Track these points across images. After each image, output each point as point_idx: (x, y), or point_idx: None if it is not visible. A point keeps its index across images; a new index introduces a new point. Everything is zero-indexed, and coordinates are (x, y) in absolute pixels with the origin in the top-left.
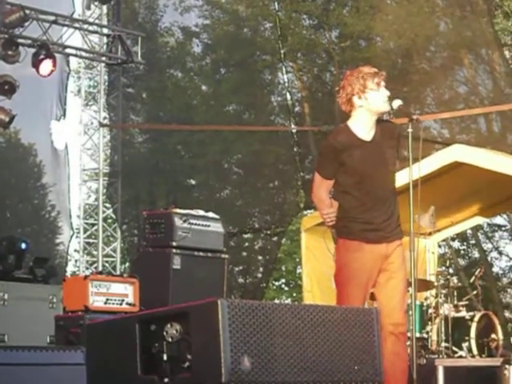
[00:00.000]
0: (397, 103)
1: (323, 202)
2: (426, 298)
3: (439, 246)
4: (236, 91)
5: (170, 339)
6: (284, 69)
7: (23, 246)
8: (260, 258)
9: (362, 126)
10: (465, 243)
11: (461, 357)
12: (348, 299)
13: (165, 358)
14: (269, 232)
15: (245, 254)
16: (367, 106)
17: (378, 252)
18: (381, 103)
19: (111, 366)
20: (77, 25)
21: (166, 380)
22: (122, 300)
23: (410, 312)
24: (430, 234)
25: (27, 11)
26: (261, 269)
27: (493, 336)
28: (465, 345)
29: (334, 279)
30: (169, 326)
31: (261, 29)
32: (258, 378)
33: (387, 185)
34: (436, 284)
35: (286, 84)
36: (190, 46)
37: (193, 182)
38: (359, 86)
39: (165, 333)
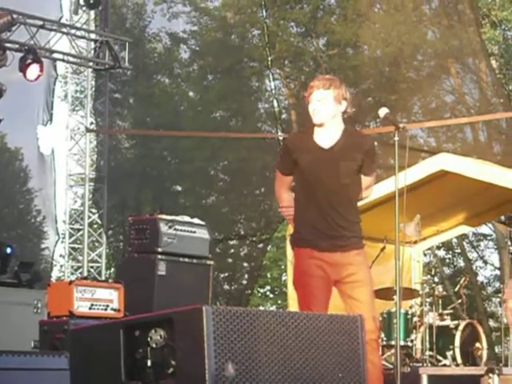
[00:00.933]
0: (383, 111)
1: (281, 199)
2: (410, 307)
3: (424, 255)
4: (223, 98)
5: (154, 345)
6: (271, 76)
7: (8, 250)
8: (245, 264)
9: (324, 133)
10: (450, 252)
11: (445, 365)
12: (304, 304)
13: (149, 363)
14: (254, 239)
15: (230, 260)
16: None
17: (331, 260)
18: (312, 115)
19: (95, 372)
20: (64, 30)
21: None
22: (107, 305)
23: (395, 320)
24: (415, 242)
25: (15, 15)
26: (246, 275)
27: (477, 345)
28: (449, 353)
29: (294, 286)
30: (153, 331)
31: (249, 36)
32: None
33: (338, 196)
34: (421, 292)
35: (273, 91)
36: (178, 52)
37: (179, 188)
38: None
39: (149, 339)
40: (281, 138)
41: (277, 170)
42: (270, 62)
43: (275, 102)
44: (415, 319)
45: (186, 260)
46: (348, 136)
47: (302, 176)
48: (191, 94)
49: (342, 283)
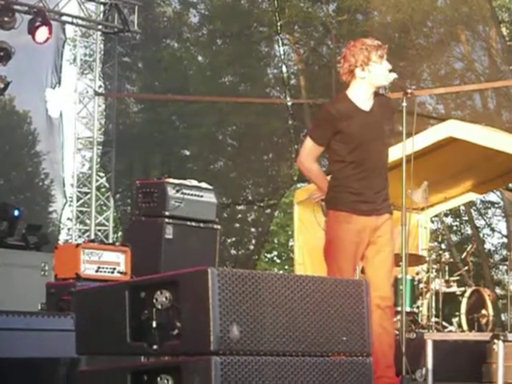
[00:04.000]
0: (391, 76)
1: (312, 171)
2: (417, 273)
3: (432, 222)
4: (232, 62)
5: (159, 306)
6: (280, 41)
7: (16, 213)
8: (253, 230)
9: (361, 96)
10: (457, 219)
11: (451, 331)
12: (338, 271)
13: (154, 325)
14: (262, 204)
15: (237, 225)
16: (369, 79)
17: (367, 224)
18: (382, 76)
19: (100, 333)
20: None
21: (155, 347)
22: (114, 268)
23: (401, 286)
24: (422, 209)
25: None
26: (253, 241)
27: (483, 312)
28: (455, 320)
29: (324, 252)
30: (158, 293)
31: (258, 0)
32: (247, 347)
33: (382, 157)
34: (428, 259)
35: (282, 56)
36: (187, 17)
37: (187, 152)
38: (363, 58)
39: (154, 300)
40: (289, 104)
41: (308, 142)
42: (279, 27)
43: (284, 67)
44: (421, 285)
45: (193, 224)
46: (378, 98)
47: (351, 140)
48: (200, 58)
49: (368, 246)
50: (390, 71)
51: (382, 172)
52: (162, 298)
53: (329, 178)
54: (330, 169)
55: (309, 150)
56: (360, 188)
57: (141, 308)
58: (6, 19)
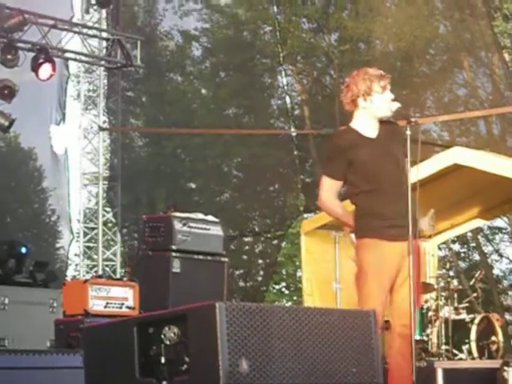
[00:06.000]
0: (394, 106)
1: (335, 209)
2: (426, 301)
3: (439, 249)
4: (236, 95)
5: (167, 342)
6: (283, 72)
7: (23, 250)
8: (260, 261)
9: (365, 126)
10: (465, 246)
11: (461, 359)
12: (369, 300)
13: (163, 360)
14: (269, 235)
15: (245, 257)
16: (371, 109)
17: (396, 251)
18: (385, 107)
19: (109, 369)
20: (76, 29)
21: (165, 383)
22: (122, 303)
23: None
24: (429, 236)
25: (26, 15)
26: (261, 272)
27: (493, 338)
28: (465, 347)
29: (355, 280)
30: (167, 328)
31: (260, 32)
32: (256, 381)
33: (399, 181)
34: (436, 287)
35: (286, 87)
36: (190, 50)
37: (193, 185)
38: (365, 88)
39: (163, 336)
40: (294, 134)
41: (324, 179)
42: (282, 58)
43: (288, 98)
44: (431, 313)
45: (201, 257)
46: (384, 126)
47: (363, 169)
48: (203, 91)
49: (398, 272)
50: (393, 100)
51: (402, 197)
52: (171, 333)
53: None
54: (351, 201)
55: (327, 188)
56: (385, 213)
57: (149, 344)
58: (9, 57)
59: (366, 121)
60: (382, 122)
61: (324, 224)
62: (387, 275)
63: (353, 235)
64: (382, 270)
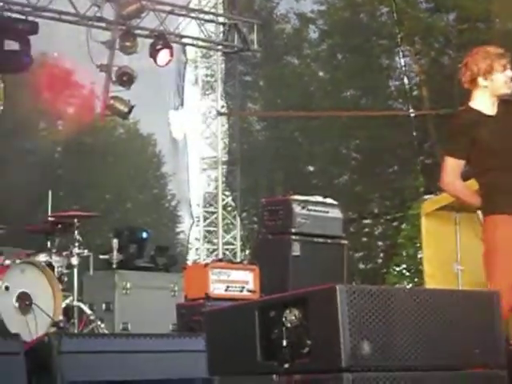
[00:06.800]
0: None
1: (459, 189)
2: None
3: None
4: (353, 76)
5: (288, 325)
6: (401, 53)
7: (144, 235)
8: (380, 243)
9: (485, 104)
10: None
11: None
12: (499, 278)
13: (284, 343)
14: (388, 217)
15: (365, 239)
16: (491, 88)
17: None
18: (505, 85)
19: (231, 353)
20: (193, 14)
21: (286, 365)
22: (243, 287)
23: None
24: None
25: (144, 2)
26: (381, 254)
27: None
28: None
29: (483, 260)
30: (288, 311)
31: (377, 13)
32: (378, 363)
33: None
34: None
35: (404, 68)
36: (307, 33)
37: (311, 168)
38: (485, 67)
39: (284, 319)
40: (412, 115)
41: (448, 160)
42: (399, 39)
43: (405, 79)
44: None
45: (320, 240)
46: (503, 104)
47: (487, 147)
48: (321, 73)
49: None
50: None
51: None
52: (292, 316)
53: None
54: (477, 180)
55: (451, 168)
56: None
57: (270, 327)
58: (127, 44)
59: (486, 99)
60: (501, 100)
61: (445, 205)
62: None
63: (480, 214)
64: (510, 246)
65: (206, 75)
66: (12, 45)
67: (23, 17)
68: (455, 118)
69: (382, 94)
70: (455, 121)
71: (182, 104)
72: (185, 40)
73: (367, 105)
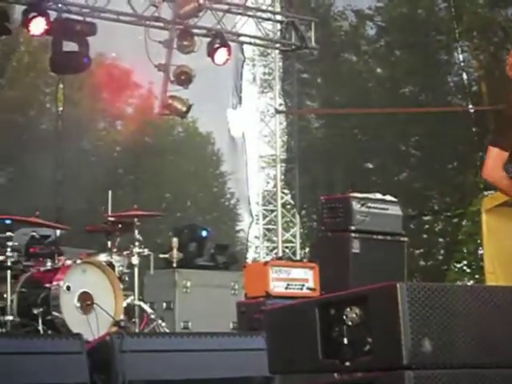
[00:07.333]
0: None
1: (501, 177)
2: None
3: None
4: (411, 73)
5: (349, 323)
6: (459, 48)
7: (204, 233)
8: (441, 240)
9: None
10: None
11: None
12: None
13: (345, 341)
14: (449, 214)
15: (425, 236)
16: None
17: None
18: None
19: (292, 351)
20: (250, 13)
21: (348, 363)
22: (303, 285)
23: None
24: None
25: (201, 1)
26: (442, 251)
27: None
28: None
29: None
30: (348, 309)
31: (435, 9)
32: (439, 360)
33: None
34: None
35: (462, 64)
36: (364, 29)
37: (370, 165)
38: None
39: (344, 317)
40: (471, 111)
41: (492, 150)
42: (457, 35)
43: (464, 74)
44: None
45: (380, 237)
46: None
47: None
48: (379, 70)
49: None
50: None
51: None
52: (352, 314)
53: None
54: None
55: (494, 159)
56: None
57: (331, 325)
58: (185, 43)
59: None
60: None
61: (505, 201)
62: None
63: None
64: None
65: (264, 73)
66: (71, 46)
67: (81, 18)
68: (505, 110)
69: (440, 90)
70: (504, 112)
71: (240, 102)
72: (242, 38)
73: (426, 101)
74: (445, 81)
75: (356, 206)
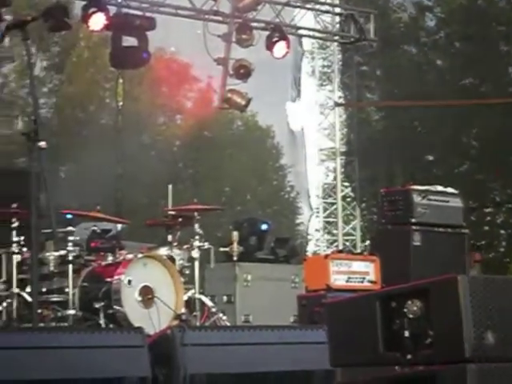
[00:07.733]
0: None
1: None
2: None
3: None
4: (471, 64)
5: (410, 316)
6: None
7: (264, 227)
8: (502, 232)
9: None
10: None
11: None
12: None
13: (406, 334)
14: (510, 205)
15: (486, 228)
16: None
17: None
18: None
19: (353, 344)
20: (309, 5)
21: (409, 356)
22: (364, 278)
23: None
24: None
25: None
26: (503, 243)
27: None
28: None
29: None
30: (409, 302)
31: (495, 0)
32: (502, 353)
33: None
34: None
35: None
36: (424, 21)
37: (430, 157)
38: None
39: (405, 310)
40: None
41: None
42: None
43: None
44: None
45: (441, 230)
46: None
47: None
48: (439, 61)
49: None
50: None
51: None
52: (413, 307)
53: None
54: None
55: None
56: None
57: (392, 318)
58: (244, 37)
59: None
60: None
61: None
62: None
63: None
64: None
65: (323, 66)
66: (130, 41)
67: (141, 13)
68: None
69: (501, 80)
70: None
71: (299, 95)
72: (301, 31)
73: (486, 92)
74: (505, 72)
75: (417, 198)
